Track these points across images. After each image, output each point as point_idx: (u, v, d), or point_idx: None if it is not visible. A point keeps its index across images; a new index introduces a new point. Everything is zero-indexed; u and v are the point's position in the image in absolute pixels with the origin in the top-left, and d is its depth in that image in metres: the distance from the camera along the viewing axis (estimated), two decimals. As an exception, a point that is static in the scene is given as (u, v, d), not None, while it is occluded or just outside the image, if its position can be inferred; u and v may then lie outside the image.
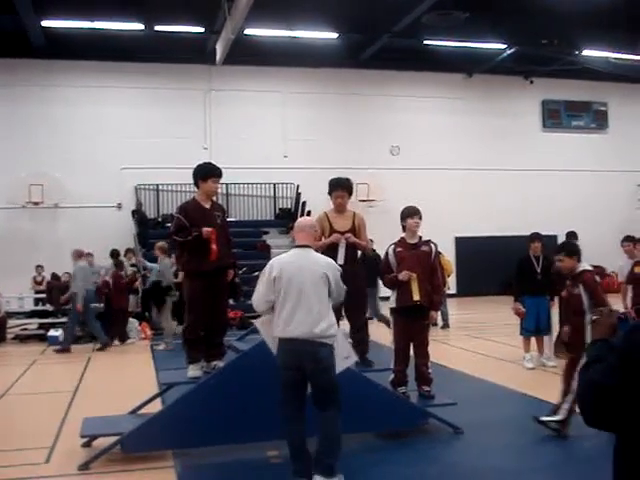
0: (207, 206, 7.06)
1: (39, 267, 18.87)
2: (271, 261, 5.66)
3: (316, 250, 6.72)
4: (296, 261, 5.54)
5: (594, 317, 2.75)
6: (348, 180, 7.71)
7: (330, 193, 7.65)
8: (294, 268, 5.47)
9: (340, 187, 7.58)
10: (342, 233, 7.42)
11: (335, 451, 5.43)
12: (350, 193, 7.68)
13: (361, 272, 7.62)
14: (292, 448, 5.45)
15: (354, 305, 7.38)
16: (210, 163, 7.31)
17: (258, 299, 5.57)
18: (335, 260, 6.92)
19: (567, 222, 24.35)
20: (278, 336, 5.45)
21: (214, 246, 6.79)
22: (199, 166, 7.18)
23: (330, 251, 7.19)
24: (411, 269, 7.37)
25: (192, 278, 7.05)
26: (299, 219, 6.14)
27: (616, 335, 2.57)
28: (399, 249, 7.59)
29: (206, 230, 6.78)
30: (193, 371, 6.90)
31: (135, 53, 21.75)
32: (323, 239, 7.39)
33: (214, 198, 7.37)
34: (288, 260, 5.57)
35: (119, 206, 22.34)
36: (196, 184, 7.15)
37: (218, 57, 20.39)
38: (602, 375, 2.27)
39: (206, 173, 7.07)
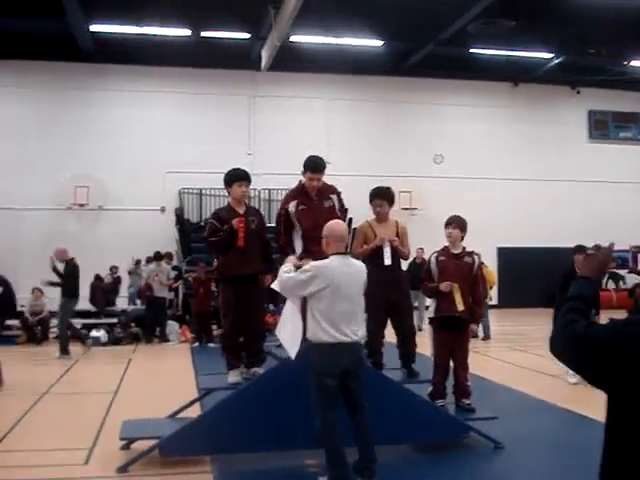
0: (241, 211, 7.03)
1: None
2: (317, 265, 5.54)
3: (358, 256, 6.79)
4: (343, 269, 5.55)
5: (590, 251, 2.64)
6: (388, 189, 7.67)
7: (370, 202, 7.63)
8: (343, 276, 5.51)
9: (378, 196, 7.56)
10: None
11: (375, 454, 5.58)
12: (390, 202, 7.62)
13: (405, 278, 7.54)
14: (337, 455, 5.43)
15: (401, 312, 7.36)
16: (236, 168, 7.29)
17: (294, 286, 5.55)
18: (381, 263, 6.95)
19: (613, 234, 23.97)
20: (326, 342, 5.45)
21: (241, 234, 6.77)
22: (226, 173, 7.18)
23: (374, 256, 7.24)
24: (452, 279, 7.29)
25: (226, 284, 7.07)
26: (332, 227, 5.74)
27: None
28: (442, 258, 7.52)
29: (235, 221, 6.78)
30: (233, 377, 6.89)
31: (181, 58, 21.95)
32: (365, 247, 7.37)
33: (247, 202, 7.37)
34: (336, 268, 5.52)
35: (163, 209, 22.53)
36: (227, 191, 7.19)
37: (263, 63, 20.47)
38: (593, 338, 2.26)
39: (230, 178, 7.08)
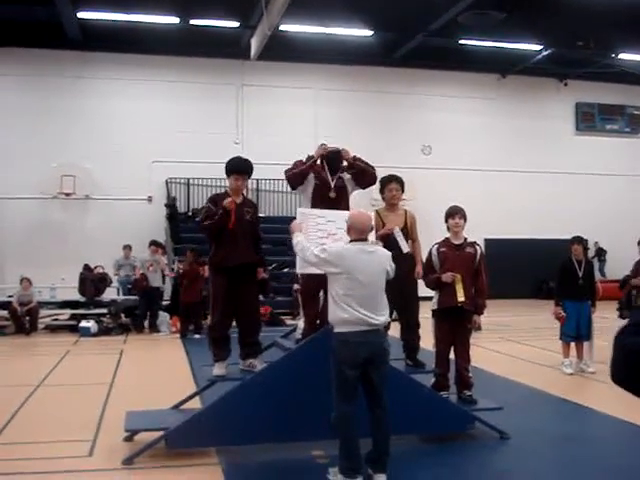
0: (238, 201, 6.89)
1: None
2: (333, 251, 5.52)
3: None
4: (361, 256, 5.50)
5: None
6: (400, 177, 7.66)
7: (382, 189, 7.56)
8: (361, 263, 5.47)
9: (395, 180, 7.53)
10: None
11: (389, 447, 5.53)
12: (402, 189, 7.58)
13: (412, 267, 7.44)
14: (351, 445, 5.40)
15: (406, 303, 7.28)
16: (237, 158, 7.12)
17: (311, 259, 5.60)
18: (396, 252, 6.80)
19: (599, 226, 24.28)
20: (349, 330, 5.39)
21: (233, 216, 6.68)
22: (228, 161, 7.04)
23: (385, 246, 7.19)
24: (454, 270, 7.29)
25: (216, 273, 6.93)
26: (355, 217, 5.69)
27: None
28: (443, 249, 7.51)
29: (227, 201, 6.68)
30: (218, 369, 6.77)
31: (170, 46, 21.73)
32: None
33: (245, 193, 7.25)
34: (353, 255, 5.48)
35: (150, 199, 22.34)
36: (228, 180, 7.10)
37: (253, 52, 20.33)
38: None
39: (228, 169, 6.95)
